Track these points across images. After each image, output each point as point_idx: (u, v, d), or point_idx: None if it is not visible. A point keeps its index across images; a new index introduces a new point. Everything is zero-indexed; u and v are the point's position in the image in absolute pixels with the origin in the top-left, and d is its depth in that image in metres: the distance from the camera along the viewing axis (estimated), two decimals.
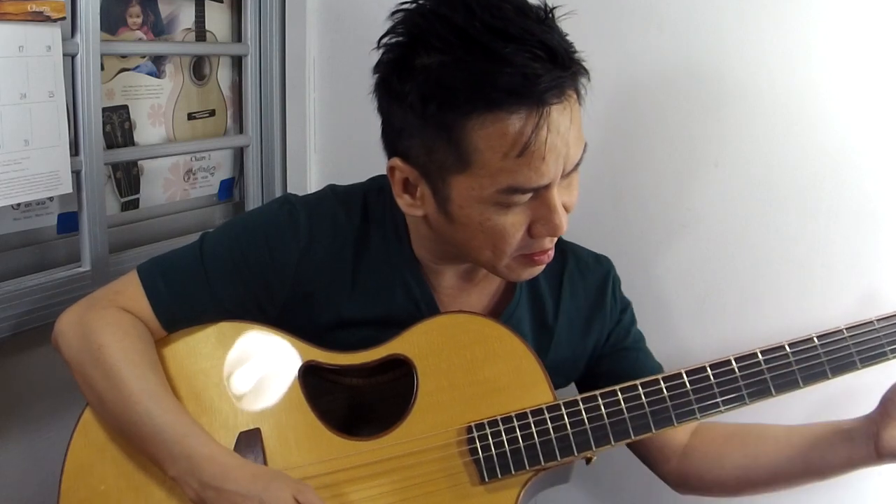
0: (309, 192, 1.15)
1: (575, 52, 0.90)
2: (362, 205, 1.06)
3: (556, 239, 0.97)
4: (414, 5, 0.91)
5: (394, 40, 0.92)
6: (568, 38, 0.90)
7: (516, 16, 0.86)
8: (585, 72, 0.91)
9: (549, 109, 0.86)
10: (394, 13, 0.92)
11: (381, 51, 0.93)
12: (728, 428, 1.12)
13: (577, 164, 0.93)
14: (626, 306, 1.17)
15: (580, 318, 1.12)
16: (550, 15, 0.90)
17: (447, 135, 0.88)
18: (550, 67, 0.86)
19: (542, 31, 0.86)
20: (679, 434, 1.12)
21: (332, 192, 1.09)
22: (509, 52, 0.84)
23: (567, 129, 0.88)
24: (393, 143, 0.95)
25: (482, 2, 0.87)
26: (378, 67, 0.94)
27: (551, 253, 0.98)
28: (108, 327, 0.99)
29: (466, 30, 0.86)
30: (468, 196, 0.91)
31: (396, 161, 0.95)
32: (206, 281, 1.02)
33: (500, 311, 1.09)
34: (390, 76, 0.92)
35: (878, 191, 1.20)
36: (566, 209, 0.94)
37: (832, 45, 1.19)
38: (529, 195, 0.91)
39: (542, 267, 1.00)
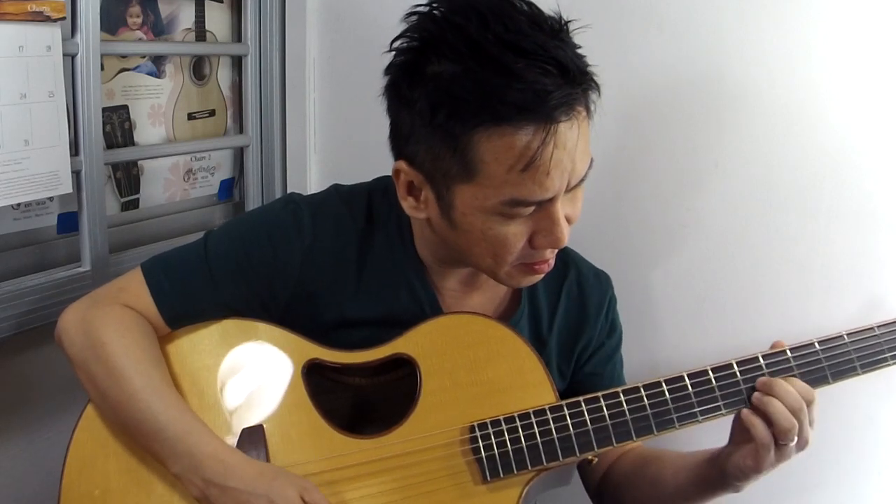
0: (310, 192, 1.15)
1: (587, 66, 0.89)
2: (366, 205, 1.06)
3: (557, 250, 0.97)
4: (427, 10, 0.90)
5: (406, 44, 0.91)
6: (580, 50, 0.89)
7: (530, 29, 0.86)
8: (597, 87, 0.91)
9: (557, 126, 0.86)
10: (408, 15, 0.91)
11: (392, 53, 0.93)
12: (643, 451, 1.14)
13: (583, 179, 0.93)
14: (614, 330, 1.17)
15: (570, 333, 1.13)
16: (565, 28, 0.89)
17: (453, 144, 0.88)
18: (561, 84, 0.85)
19: (554, 47, 0.86)
20: (611, 454, 1.13)
21: (336, 191, 1.09)
22: (521, 67, 0.84)
23: (574, 145, 0.88)
24: (399, 146, 0.95)
25: (496, 12, 0.86)
26: (389, 70, 0.94)
27: (552, 262, 0.98)
28: (111, 324, 0.99)
29: (479, 42, 0.85)
30: (471, 205, 0.91)
31: (402, 164, 0.95)
32: (210, 279, 1.02)
33: (504, 319, 1.09)
34: (400, 80, 0.92)
35: (878, 191, 1.20)
36: (569, 221, 0.94)
37: (832, 45, 1.19)
38: (532, 207, 0.91)
39: (542, 275, 1.00)
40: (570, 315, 1.12)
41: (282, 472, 0.94)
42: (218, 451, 0.94)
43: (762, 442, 0.95)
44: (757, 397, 0.96)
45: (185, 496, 0.97)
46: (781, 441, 0.95)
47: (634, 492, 1.11)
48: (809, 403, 0.96)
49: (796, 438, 0.95)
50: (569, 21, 0.90)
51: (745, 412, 0.97)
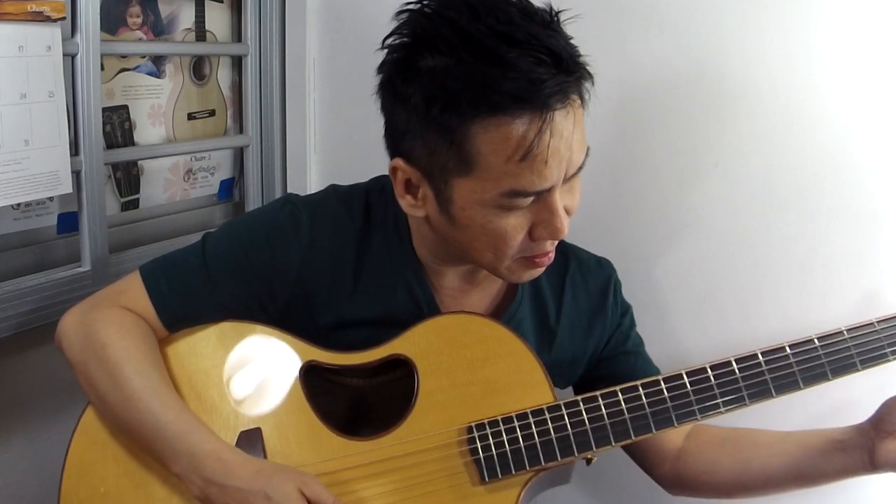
0: (309, 192, 1.15)
1: (579, 56, 0.90)
2: (364, 205, 1.06)
3: (556, 242, 0.97)
4: (418, 6, 0.91)
5: (398, 41, 0.92)
6: (572, 41, 0.90)
7: (521, 20, 0.86)
8: (590, 76, 0.91)
9: (553, 114, 0.86)
10: (399, 13, 0.92)
11: (385, 51, 0.93)
12: (722, 432, 1.12)
13: (580, 169, 0.93)
14: (626, 310, 1.17)
15: (581, 320, 1.13)
16: (556, 18, 0.90)
17: (450, 138, 0.88)
18: (555, 72, 0.85)
19: (547, 36, 0.86)
20: (674, 437, 1.12)
21: (333, 192, 1.09)
22: (514, 56, 0.84)
23: (570, 133, 0.88)
24: (396, 143, 0.95)
25: (487, 5, 0.87)
26: (382, 68, 0.94)
27: (552, 255, 0.98)
28: (111, 327, 0.99)
29: (471, 33, 0.85)
30: (470, 198, 0.91)
31: (399, 162, 0.95)
32: (209, 281, 1.02)
33: (501, 312, 1.09)
34: (394, 77, 0.92)
35: (879, 191, 1.20)
36: (568, 212, 0.94)
37: (832, 45, 1.19)
38: (531, 198, 0.91)
39: (543, 269, 1.00)
40: (579, 304, 1.12)
41: (280, 468, 0.95)
42: (217, 450, 0.94)
43: None
44: None
45: (183, 499, 0.97)
46: None
47: (717, 469, 1.10)
48: None
49: None
50: (559, 11, 0.90)
51: None
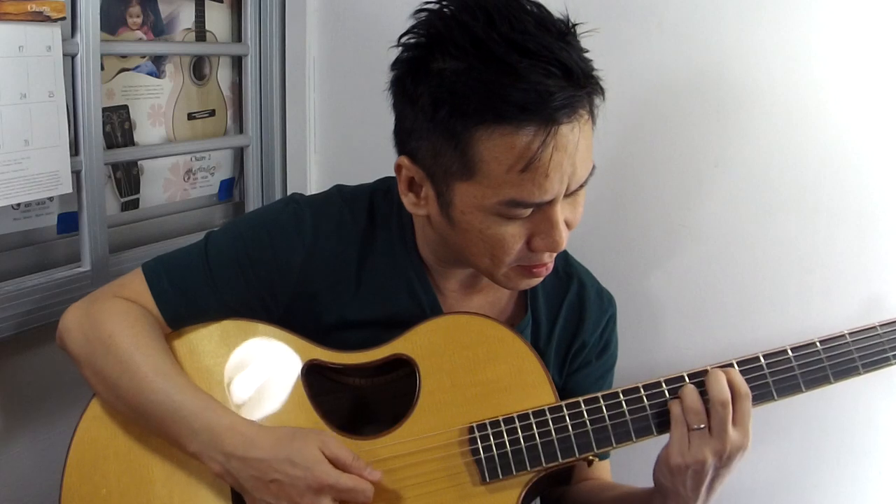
0: (310, 192, 1.15)
1: (592, 70, 0.89)
2: (368, 205, 1.06)
3: (555, 253, 0.96)
4: (437, 7, 0.91)
5: (412, 40, 0.92)
6: (586, 54, 0.89)
7: (536, 30, 0.86)
8: (601, 91, 0.90)
9: (559, 128, 0.86)
10: (417, 12, 0.92)
11: (399, 49, 0.93)
12: (602, 482, 1.14)
13: (583, 184, 0.93)
14: (606, 350, 1.15)
15: (564, 348, 1.12)
16: (572, 31, 0.89)
17: (455, 141, 0.88)
18: (564, 85, 0.85)
19: (560, 48, 0.85)
20: (597, 469, 1.14)
21: (338, 192, 1.09)
22: (524, 66, 0.84)
23: (575, 148, 0.88)
24: (402, 141, 0.95)
25: (504, 12, 0.86)
26: (395, 65, 0.94)
27: (550, 265, 0.98)
28: (116, 316, 0.99)
29: (484, 40, 0.85)
30: (470, 203, 0.91)
31: (404, 160, 0.95)
32: (211, 280, 1.02)
33: (509, 326, 1.08)
34: (405, 76, 0.92)
35: (879, 191, 1.20)
36: (569, 226, 0.94)
37: (832, 45, 1.19)
38: (531, 209, 0.91)
39: (540, 279, 1.00)
40: (568, 326, 1.12)
41: (298, 431, 0.95)
42: (235, 424, 0.94)
43: (674, 421, 0.95)
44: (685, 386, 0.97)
45: (185, 496, 0.97)
46: (691, 424, 0.94)
47: None
48: (737, 398, 0.95)
49: (705, 426, 0.94)
50: (576, 24, 0.90)
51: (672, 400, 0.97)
